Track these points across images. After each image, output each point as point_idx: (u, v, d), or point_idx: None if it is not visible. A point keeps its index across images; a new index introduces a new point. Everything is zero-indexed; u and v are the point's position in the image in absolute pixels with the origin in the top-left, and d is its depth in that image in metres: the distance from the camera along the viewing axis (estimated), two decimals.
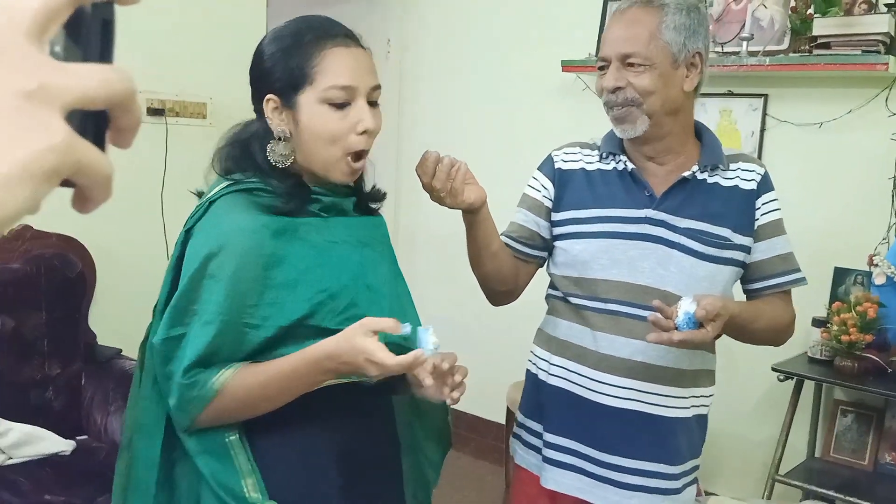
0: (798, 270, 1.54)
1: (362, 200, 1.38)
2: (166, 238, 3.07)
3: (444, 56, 3.70)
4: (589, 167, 1.54)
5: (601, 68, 1.48)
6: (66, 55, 0.39)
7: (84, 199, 0.40)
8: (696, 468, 1.55)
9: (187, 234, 1.25)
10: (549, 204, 1.56)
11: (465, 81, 3.63)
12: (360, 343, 1.12)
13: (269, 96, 1.24)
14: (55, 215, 2.74)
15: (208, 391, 1.17)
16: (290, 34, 1.24)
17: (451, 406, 1.37)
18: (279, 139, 1.25)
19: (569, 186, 1.54)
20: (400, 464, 1.41)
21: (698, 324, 1.28)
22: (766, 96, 2.82)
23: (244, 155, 1.28)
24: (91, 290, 2.67)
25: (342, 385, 1.22)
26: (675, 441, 1.49)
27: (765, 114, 2.83)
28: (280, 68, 1.23)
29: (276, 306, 1.21)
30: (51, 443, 2.32)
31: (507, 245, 1.58)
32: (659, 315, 1.30)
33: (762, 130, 2.83)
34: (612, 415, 1.46)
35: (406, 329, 1.15)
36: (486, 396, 3.37)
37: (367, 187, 1.41)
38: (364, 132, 1.23)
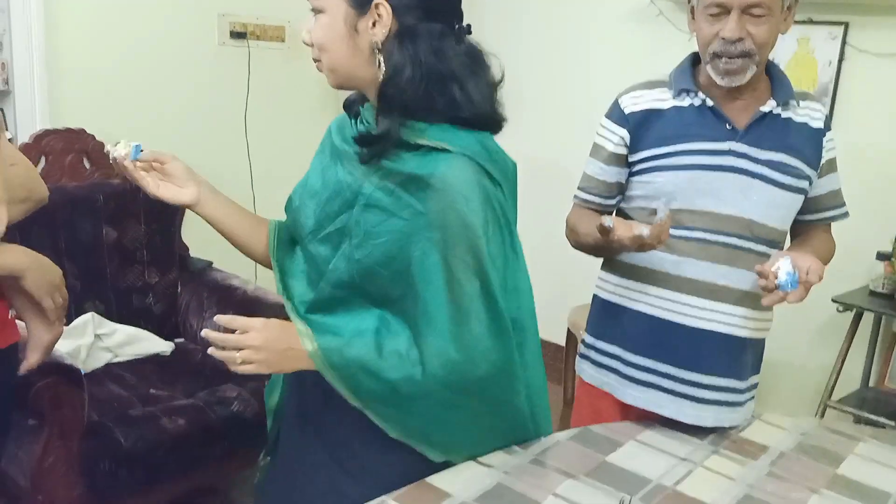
0: (844, 205, 1.65)
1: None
2: (249, 156, 3.22)
3: None
4: (663, 105, 1.57)
5: (713, 14, 1.45)
6: None
7: None
8: (756, 385, 1.67)
9: None
10: (623, 151, 1.60)
11: (536, 8, 3.61)
12: None
13: None
14: (149, 136, 2.91)
15: None
16: None
17: None
18: None
19: (644, 127, 1.57)
20: None
21: (797, 280, 1.39)
22: (846, 24, 2.77)
23: None
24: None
25: None
26: (745, 359, 1.60)
27: (844, 43, 2.78)
28: None
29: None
30: (152, 343, 2.54)
31: (585, 202, 1.66)
32: (764, 281, 1.41)
33: (840, 61, 2.79)
34: (691, 334, 1.56)
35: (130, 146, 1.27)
36: (545, 319, 3.49)
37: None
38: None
